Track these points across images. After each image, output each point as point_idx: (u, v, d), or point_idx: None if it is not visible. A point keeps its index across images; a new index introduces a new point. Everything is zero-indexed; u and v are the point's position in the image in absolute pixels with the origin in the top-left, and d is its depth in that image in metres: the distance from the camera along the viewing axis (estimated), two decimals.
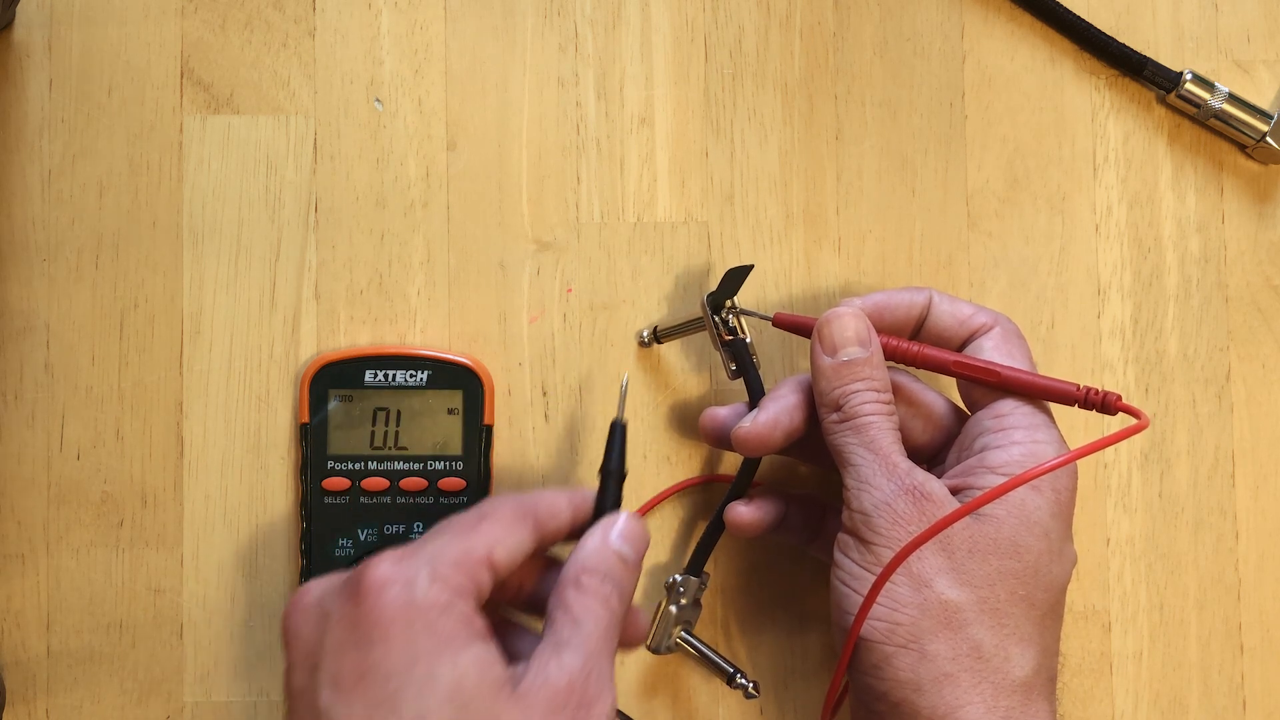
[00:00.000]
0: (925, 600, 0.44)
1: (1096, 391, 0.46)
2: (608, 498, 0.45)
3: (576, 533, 0.44)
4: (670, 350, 0.54)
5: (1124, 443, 0.55)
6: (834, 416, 0.47)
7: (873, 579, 0.44)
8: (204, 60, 0.55)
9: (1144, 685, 0.54)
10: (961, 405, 0.50)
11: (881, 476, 0.45)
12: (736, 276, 0.51)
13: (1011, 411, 0.47)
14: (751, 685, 0.52)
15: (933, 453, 0.49)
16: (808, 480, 0.54)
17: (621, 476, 0.46)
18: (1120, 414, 0.47)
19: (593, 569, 0.42)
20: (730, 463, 0.54)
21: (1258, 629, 0.55)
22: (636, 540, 0.44)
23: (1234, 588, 0.55)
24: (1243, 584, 0.55)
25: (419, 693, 0.38)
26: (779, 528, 0.51)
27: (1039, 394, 0.47)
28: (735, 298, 0.51)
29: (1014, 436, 0.46)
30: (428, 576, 0.40)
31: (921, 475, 0.45)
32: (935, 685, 0.43)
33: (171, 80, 0.54)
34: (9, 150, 0.54)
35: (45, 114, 0.54)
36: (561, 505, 0.44)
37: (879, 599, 0.44)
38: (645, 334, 0.54)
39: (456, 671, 0.39)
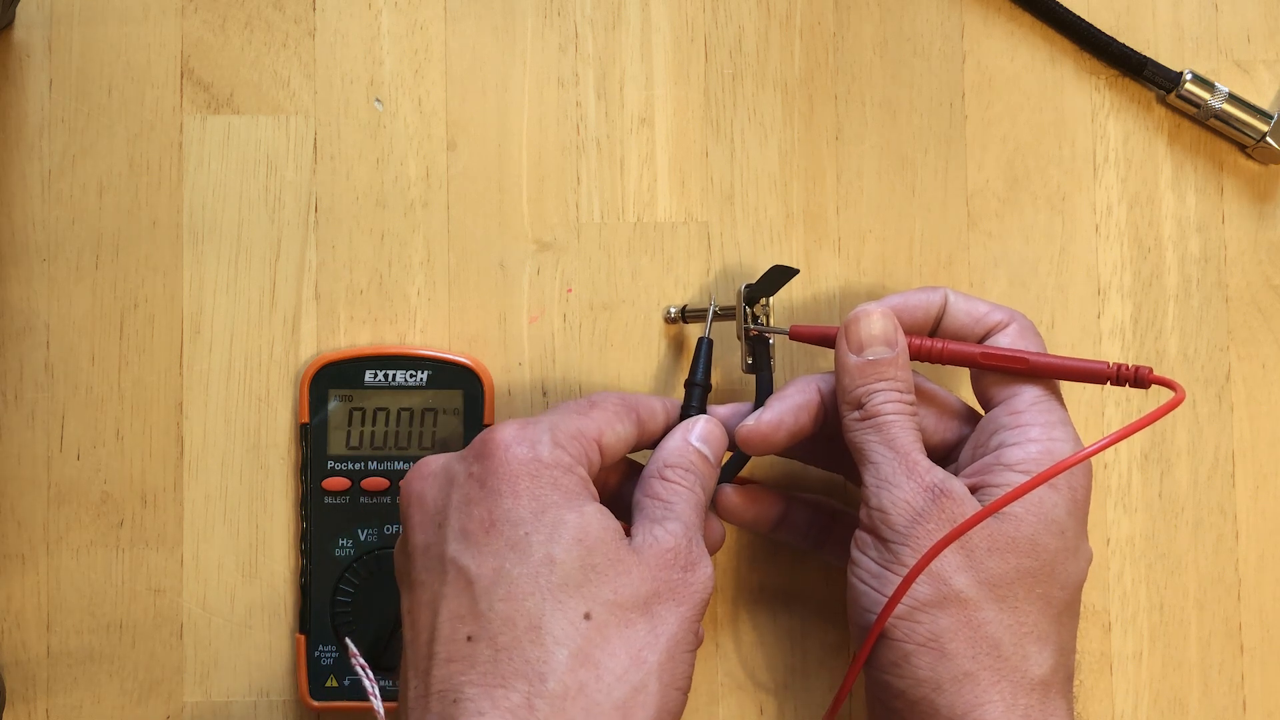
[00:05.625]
0: (945, 598, 0.44)
1: (1128, 367, 0.46)
2: (691, 406, 0.49)
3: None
4: (670, 348, 0.54)
5: (1124, 442, 0.55)
6: (855, 414, 0.47)
7: (892, 577, 0.44)
8: (204, 60, 0.55)
9: (1144, 685, 0.54)
10: (972, 404, 0.50)
11: (902, 475, 0.45)
12: (780, 276, 0.50)
13: (1027, 408, 0.47)
14: None
15: (946, 451, 0.49)
16: (812, 483, 0.54)
17: (706, 388, 0.50)
18: (1153, 388, 0.47)
19: (674, 463, 0.46)
20: None
21: (1258, 629, 0.55)
22: (714, 441, 0.47)
23: (1234, 588, 0.55)
24: (1243, 584, 0.55)
25: (548, 537, 0.42)
26: (782, 528, 0.51)
27: (1070, 376, 0.47)
28: (771, 298, 0.51)
29: (1030, 434, 0.46)
30: (550, 441, 0.43)
31: (942, 474, 0.45)
32: (955, 684, 0.43)
33: (171, 80, 0.55)
34: (9, 150, 0.54)
35: (45, 114, 0.54)
36: (658, 408, 0.48)
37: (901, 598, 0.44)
38: (673, 310, 0.54)
39: (582, 520, 0.42)
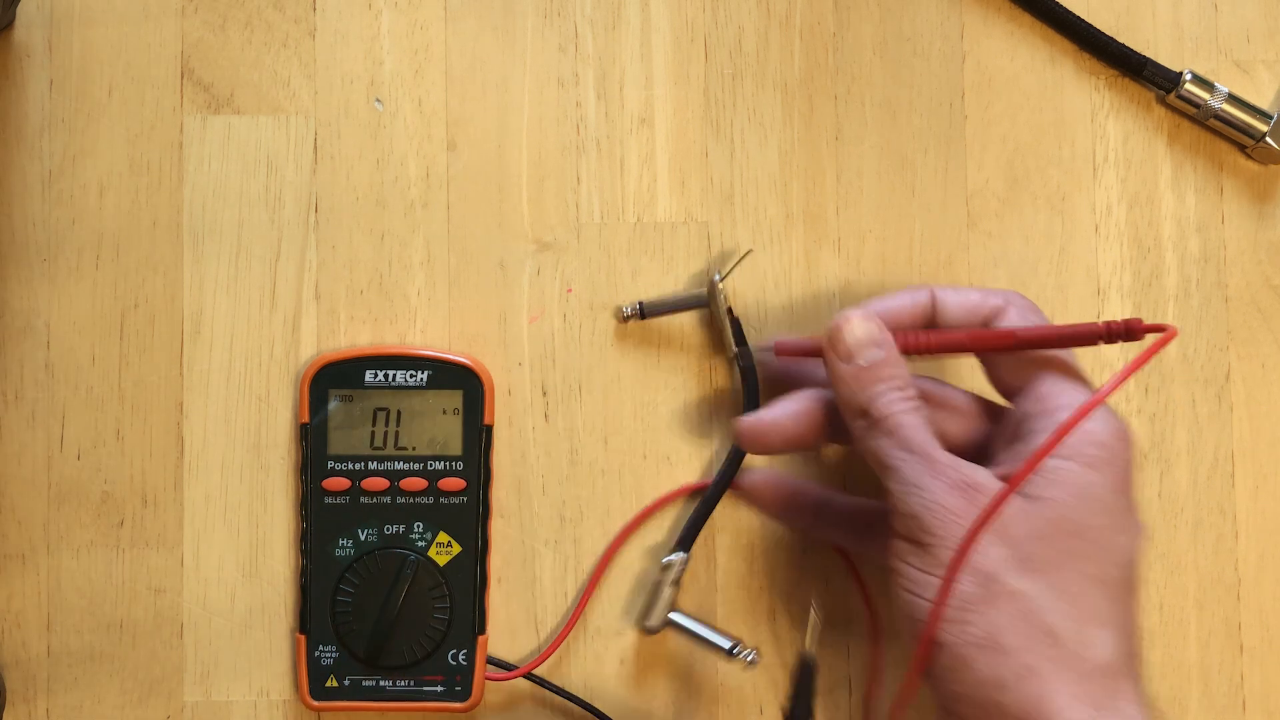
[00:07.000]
0: (994, 594, 0.42)
1: (1117, 322, 0.46)
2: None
3: None
4: (670, 348, 0.54)
5: None
6: (862, 423, 0.46)
7: (938, 581, 0.43)
8: (204, 60, 0.55)
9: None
10: (994, 400, 0.49)
11: (925, 475, 0.44)
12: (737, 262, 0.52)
13: (1051, 392, 0.46)
14: (753, 653, 0.50)
15: (973, 450, 0.48)
16: (818, 477, 0.54)
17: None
18: (1147, 337, 0.46)
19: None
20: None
21: (1258, 629, 0.55)
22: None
23: (1234, 588, 0.55)
24: (1243, 584, 0.55)
25: None
26: (819, 523, 0.51)
27: (1060, 343, 0.46)
28: (724, 280, 0.52)
29: (1059, 417, 0.44)
30: None
31: (967, 466, 0.44)
32: (1018, 680, 0.42)
33: (171, 80, 0.55)
34: (9, 150, 0.54)
35: (45, 114, 0.54)
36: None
37: (949, 601, 0.43)
38: (627, 309, 0.53)
39: None
